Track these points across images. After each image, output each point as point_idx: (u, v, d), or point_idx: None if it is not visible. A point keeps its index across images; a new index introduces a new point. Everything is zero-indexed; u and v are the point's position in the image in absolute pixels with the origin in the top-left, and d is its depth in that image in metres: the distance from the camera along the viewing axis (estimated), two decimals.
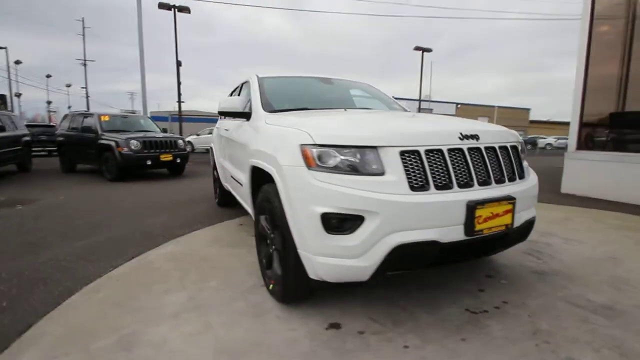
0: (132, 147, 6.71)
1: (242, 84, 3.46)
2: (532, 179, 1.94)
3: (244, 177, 2.54)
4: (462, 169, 1.60)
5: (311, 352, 1.53)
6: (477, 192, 1.58)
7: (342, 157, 1.53)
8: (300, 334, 1.67)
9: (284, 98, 2.73)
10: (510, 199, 1.62)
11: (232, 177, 3.07)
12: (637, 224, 3.55)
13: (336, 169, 1.52)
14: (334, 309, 1.89)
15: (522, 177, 1.84)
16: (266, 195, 1.93)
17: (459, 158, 1.61)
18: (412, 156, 1.52)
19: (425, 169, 1.52)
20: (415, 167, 1.52)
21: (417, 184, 1.50)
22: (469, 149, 1.63)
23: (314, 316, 1.82)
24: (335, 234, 1.49)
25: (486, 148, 1.69)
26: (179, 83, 16.25)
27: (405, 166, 1.50)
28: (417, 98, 23.70)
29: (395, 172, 1.49)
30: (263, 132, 2.13)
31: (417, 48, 21.91)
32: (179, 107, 17.54)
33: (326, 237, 1.49)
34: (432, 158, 1.55)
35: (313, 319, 1.79)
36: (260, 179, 2.18)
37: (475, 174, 1.62)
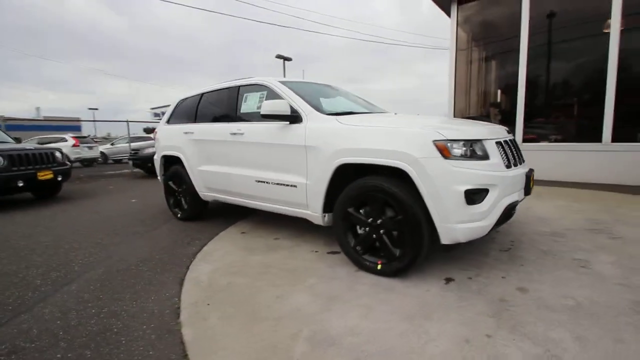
0: None
1: (240, 88, 3.34)
2: None
3: (306, 178, 2.64)
4: (514, 153, 2.41)
5: (463, 297, 2.01)
6: (523, 168, 2.42)
7: (465, 148, 2.07)
8: (437, 290, 2.10)
9: (318, 102, 2.94)
10: (533, 170, 2.55)
11: (260, 181, 2.99)
12: None
13: (461, 157, 2.05)
14: (433, 270, 2.38)
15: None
16: (377, 186, 2.22)
17: (510, 146, 2.41)
18: (499, 145, 2.22)
19: (507, 153, 2.25)
20: (501, 153, 2.22)
21: (506, 164, 2.20)
22: (511, 140, 2.47)
23: (428, 278, 2.27)
24: (471, 205, 2.01)
25: (514, 139, 2.57)
26: None
27: (499, 152, 2.18)
28: None
29: (496, 156, 2.14)
30: (359, 132, 2.34)
31: (279, 57, 23.21)
32: None
33: (467, 208, 2.00)
34: (505, 146, 2.29)
35: (430, 280, 2.24)
36: (346, 175, 2.43)
37: (518, 156, 2.47)
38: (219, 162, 3.44)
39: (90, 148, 15.85)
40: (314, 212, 2.68)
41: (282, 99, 2.85)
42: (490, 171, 2.07)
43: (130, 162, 9.19)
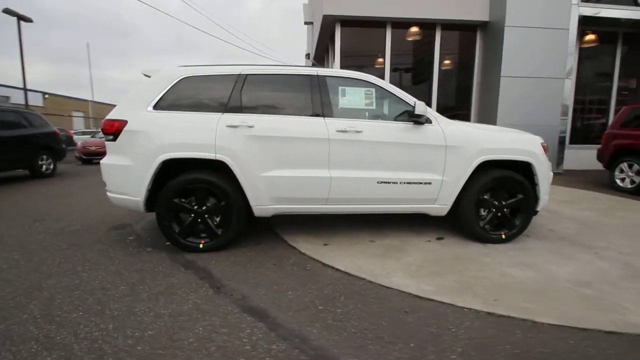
0: None
1: (327, 78, 2.91)
2: None
3: (443, 175, 2.94)
4: None
5: (553, 242, 3.19)
6: None
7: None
8: (539, 242, 3.17)
9: None
10: None
11: (384, 182, 2.86)
12: None
13: (545, 153, 3.23)
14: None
15: None
16: (507, 176, 2.99)
17: None
18: None
19: None
20: None
21: None
22: None
23: (519, 238, 3.29)
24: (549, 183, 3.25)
25: None
26: None
27: None
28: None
29: None
30: (492, 135, 2.98)
31: (7, 11, 15.55)
32: None
33: (550, 185, 3.22)
34: None
35: (523, 239, 3.26)
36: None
37: None
38: (308, 165, 2.83)
39: None
40: (442, 204, 3.04)
41: (401, 99, 2.95)
42: None
43: None
